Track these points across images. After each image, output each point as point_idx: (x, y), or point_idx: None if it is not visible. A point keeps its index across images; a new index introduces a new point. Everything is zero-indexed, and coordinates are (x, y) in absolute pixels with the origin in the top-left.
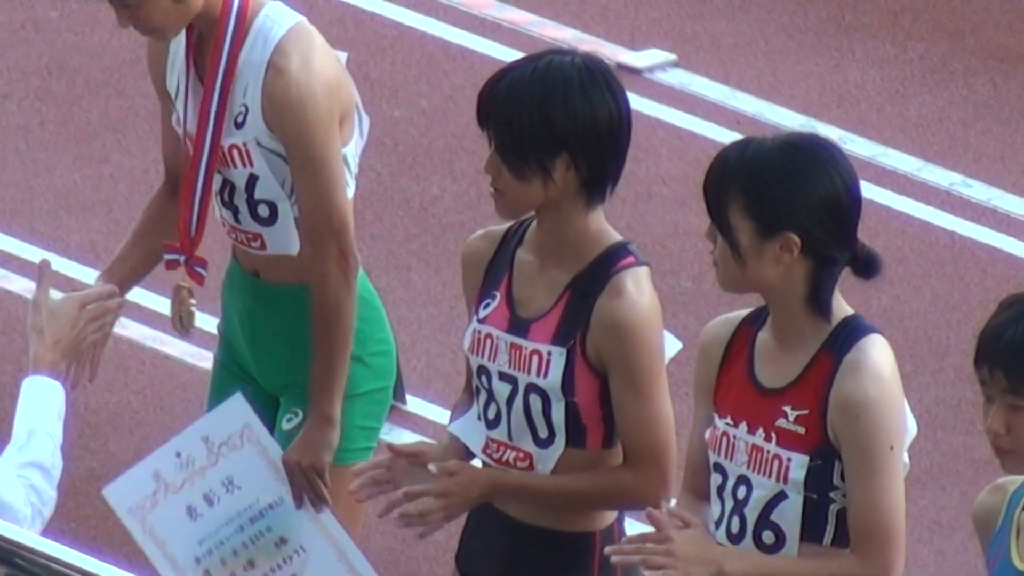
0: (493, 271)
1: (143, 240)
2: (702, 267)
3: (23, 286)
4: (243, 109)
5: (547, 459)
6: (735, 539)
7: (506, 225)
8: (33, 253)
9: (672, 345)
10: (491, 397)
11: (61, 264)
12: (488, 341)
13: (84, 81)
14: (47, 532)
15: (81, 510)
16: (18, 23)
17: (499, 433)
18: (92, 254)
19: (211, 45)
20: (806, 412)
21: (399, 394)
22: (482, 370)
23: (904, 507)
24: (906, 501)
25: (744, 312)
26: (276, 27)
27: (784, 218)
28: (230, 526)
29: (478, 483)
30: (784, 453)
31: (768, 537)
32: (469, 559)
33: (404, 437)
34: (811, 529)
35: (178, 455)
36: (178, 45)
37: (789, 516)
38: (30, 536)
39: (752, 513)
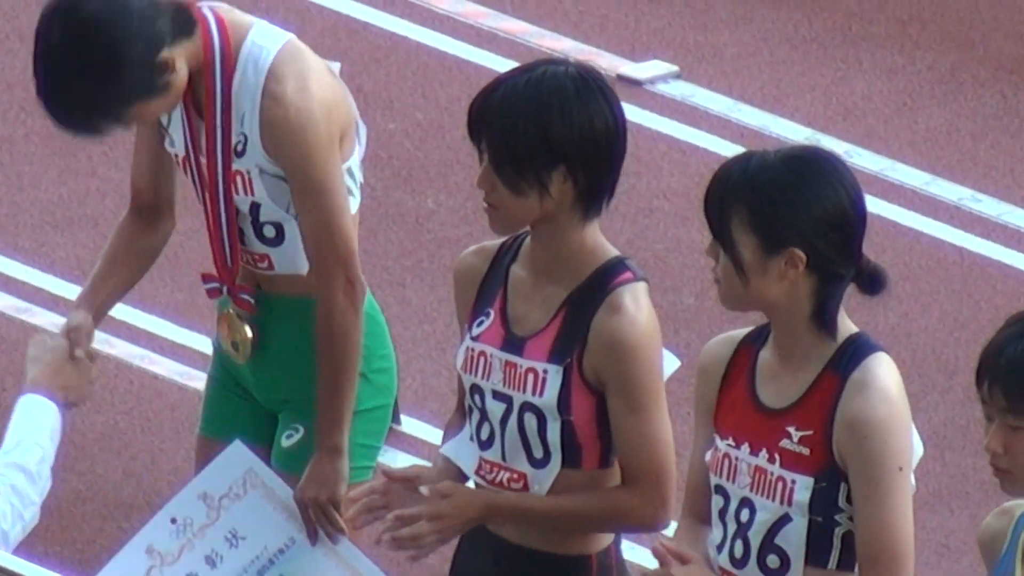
0: (487, 288)
1: (115, 268)
2: (704, 284)
3: (7, 303)
4: (242, 138)
5: (542, 480)
6: (739, 564)
7: (500, 240)
8: (17, 269)
9: (670, 363)
10: (484, 417)
11: (46, 280)
12: (482, 359)
13: None
14: (32, 555)
15: (67, 533)
16: (2, 33)
17: (493, 453)
18: (78, 270)
19: (203, 86)
20: (810, 433)
21: (394, 414)
22: (475, 389)
23: (912, 530)
24: (914, 524)
25: (745, 331)
26: (264, 52)
27: (789, 233)
28: None
29: (473, 505)
30: (788, 475)
31: (772, 561)
32: None
33: (399, 458)
34: (816, 553)
35: (173, 521)
36: None
37: (793, 539)
38: (9, 558)
39: (756, 537)
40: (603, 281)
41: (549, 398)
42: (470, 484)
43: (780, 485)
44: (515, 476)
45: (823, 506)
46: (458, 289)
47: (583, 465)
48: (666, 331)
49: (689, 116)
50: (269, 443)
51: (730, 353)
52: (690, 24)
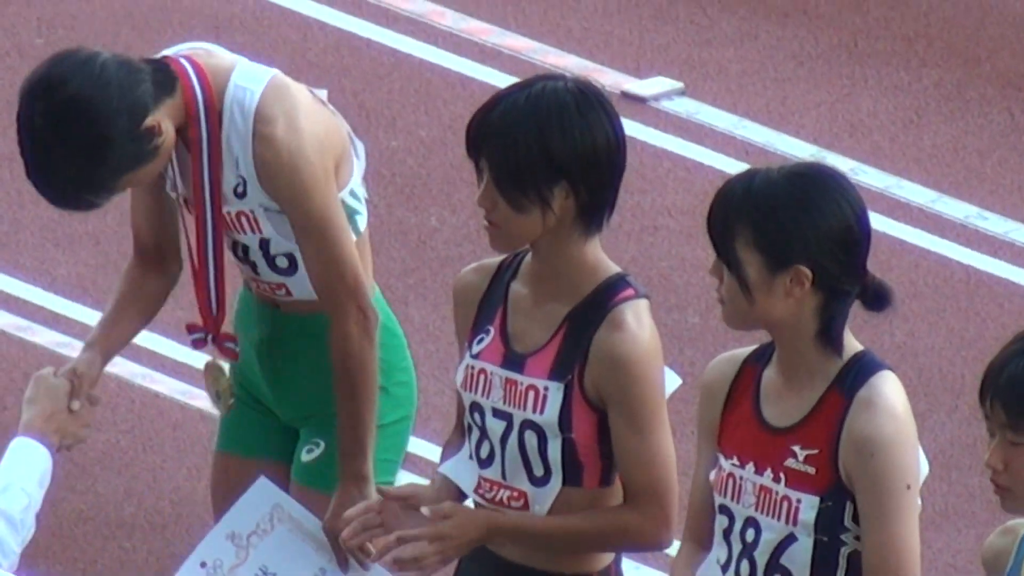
0: (487, 305)
1: (125, 311)
2: (709, 302)
3: (8, 321)
4: (240, 180)
5: (543, 498)
6: None
7: (499, 258)
8: (18, 287)
9: (671, 381)
10: (484, 435)
11: (47, 299)
12: (482, 377)
13: None
14: (33, 574)
15: (68, 552)
16: (3, 50)
17: (492, 472)
18: (79, 288)
19: (189, 137)
20: (816, 452)
21: None
22: (475, 407)
23: (919, 548)
24: (920, 543)
25: (748, 349)
26: (249, 94)
27: (795, 251)
28: None
29: (474, 525)
30: (793, 494)
31: None
32: None
33: (401, 476)
34: (822, 572)
35: (203, 565)
36: None
37: (799, 559)
38: None
39: (762, 557)
40: (604, 298)
41: (550, 416)
42: (468, 503)
43: (785, 504)
44: (515, 494)
45: (829, 525)
46: (457, 307)
47: (584, 483)
48: (671, 350)
49: (694, 133)
50: (288, 458)
51: (734, 372)
52: (695, 41)
